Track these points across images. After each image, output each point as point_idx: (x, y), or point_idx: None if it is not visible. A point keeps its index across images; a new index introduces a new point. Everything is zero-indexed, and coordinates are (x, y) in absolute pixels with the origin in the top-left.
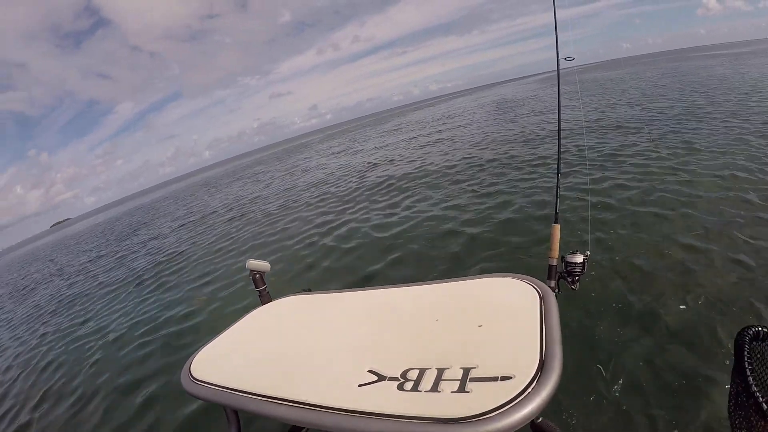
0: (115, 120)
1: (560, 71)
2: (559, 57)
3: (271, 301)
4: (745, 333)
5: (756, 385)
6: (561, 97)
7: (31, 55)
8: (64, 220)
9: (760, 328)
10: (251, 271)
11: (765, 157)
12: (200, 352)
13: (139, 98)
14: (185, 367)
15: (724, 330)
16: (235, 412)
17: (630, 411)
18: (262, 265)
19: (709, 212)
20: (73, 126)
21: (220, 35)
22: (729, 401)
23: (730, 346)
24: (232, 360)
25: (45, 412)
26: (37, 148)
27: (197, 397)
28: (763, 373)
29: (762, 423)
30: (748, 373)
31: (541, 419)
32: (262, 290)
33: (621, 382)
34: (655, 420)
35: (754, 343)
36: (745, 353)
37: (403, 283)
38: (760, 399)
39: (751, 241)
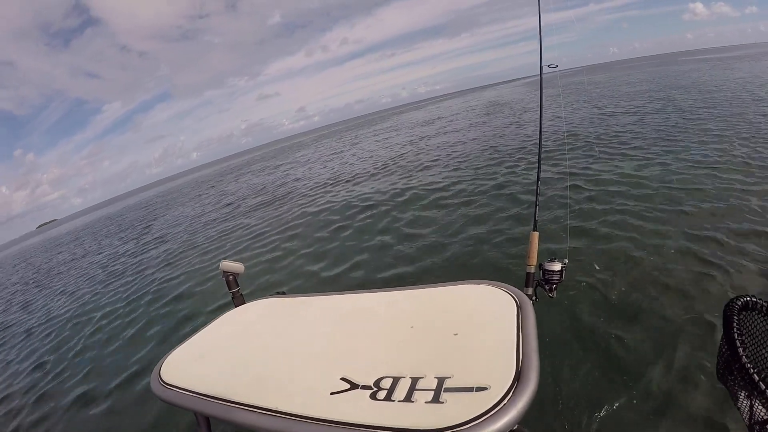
0: (103, 120)
1: (546, 76)
2: (543, 64)
3: (244, 303)
4: (734, 304)
5: (746, 356)
6: (545, 102)
7: (19, 53)
8: (51, 221)
9: (748, 299)
10: (224, 272)
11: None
12: (171, 355)
13: (127, 98)
14: (155, 370)
15: (707, 335)
16: (206, 417)
17: (610, 418)
18: (236, 266)
19: (689, 218)
20: (61, 126)
21: (209, 35)
22: (717, 368)
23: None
24: (204, 364)
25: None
26: (23, 148)
27: (167, 402)
28: (751, 342)
29: (752, 391)
30: (738, 343)
31: (516, 427)
32: (236, 292)
33: (598, 389)
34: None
35: (743, 313)
36: (734, 323)
37: (380, 288)
38: (751, 369)
39: (733, 243)
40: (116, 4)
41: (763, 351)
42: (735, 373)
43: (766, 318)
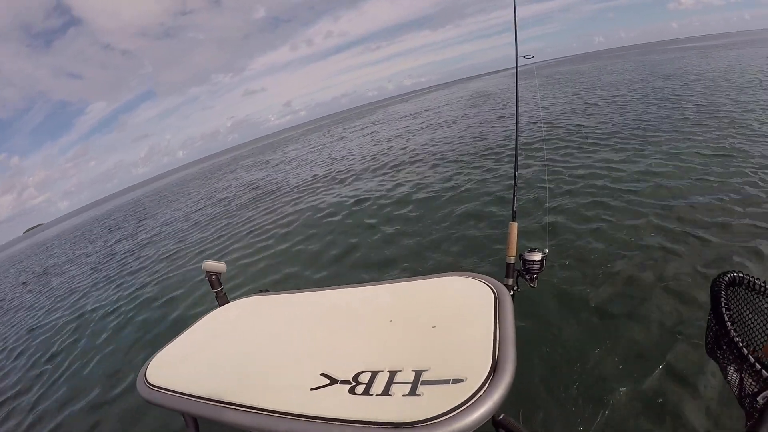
0: (87, 121)
1: (527, 67)
2: (519, 55)
3: (228, 302)
4: (721, 279)
5: (734, 330)
6: (534, 93)
7: (0, 55)
8: (37, 226)
9: (735, 274)
10: (207, 272)
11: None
12: (156, 357)
13: (111, 98)
14: (141, 372)
15: (688, 313)
16: (194, 418)
17: (590, 405)
18: (219, 266)
19: (667, 201)
20: (45, 128)
21: (193, 32)
22: (706, 343)
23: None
24: (189, 364)
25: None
26: (7, 152)
27: (154, 404)
28: (740, 317)
29: (741, 364)
30: (726, 317)
31: (502, 416)
32: (219, 291)
33: (581, 376)
34: (619, 412)
35: (730, 288)
36: (722, 299)
37: (359, 282)
38: (740, 343)
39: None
40: (98, 3)
41: (751, 325)
42: (724, 347)
43: (752, 293)
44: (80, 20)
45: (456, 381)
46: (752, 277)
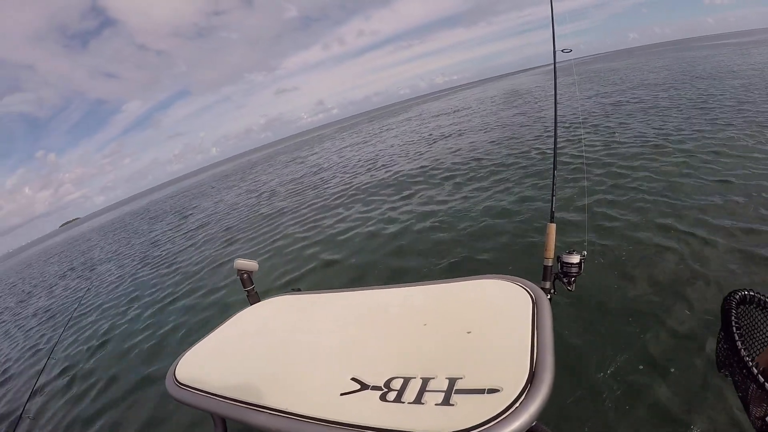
0: (122, 119)
1: (564, 64)
2: (556, 50)
3: (259, 301)
4: (732, 297)
5: (744, 349)
6: (561, 89)
7: (38, 56)
8: (74, 220)
9: (746, 292)
10: (239, 270)
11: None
12: (186, 355)
13: (146, 97)
14: (170, 370)
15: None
16: (222, 418)
17: (627, 415)
18: (250, 264)
19: (710, 208)
20: (81, 126)
21: (226, 32)
22: (717, 359)
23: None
24: (218, 364)
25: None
26: (45, 149)
27: (182, 403)
28: (750, 336)
29: (752, 384)
30: (737, 337)
31: (535, 423)
32: (250, 290)
33: (619, 384)
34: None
35: (741, 307)
36: (733, 317)
37: (395, 283)
38: (750, 363)
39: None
40: (133, 4)
41: (762, 344)
42: (734, 366)
43: (763, 311)
44: (115, 21)
45: (491, 391)
46: (764, 295)
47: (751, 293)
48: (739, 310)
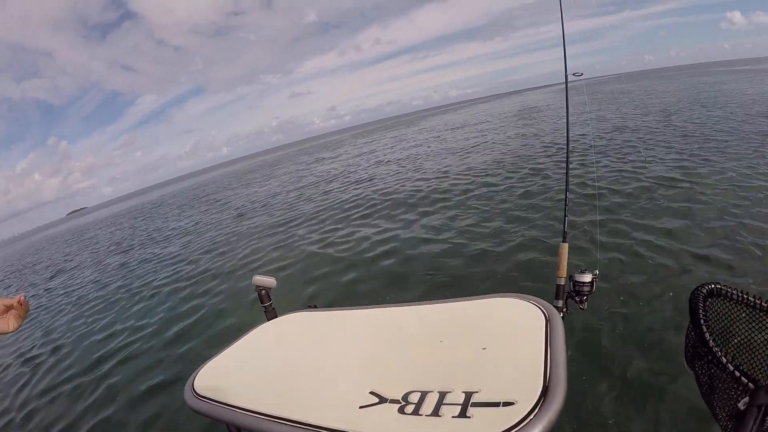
0: (136, 112)
1: (577, 84)
2: (568, 72)
3: (276, 317)
4: (699, 291)
5: (713, 340)
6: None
7: (57, 44)
8: (81, 209)
9: (713, 286)
10: (257, 286)
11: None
12: (204, 367)
13: (161, 91)
14: (189, 381)
15: None
16: (239, 429)
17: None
18: (268, 281)
19: (721, 231)
20: (95, 116)
21: (244, 32)
22: (686, 352)
23: None
24: (237, 376)
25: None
26: (57, 136)
27: (200, 413)
28: (717, 327)
29: (721, 373)
30: (705, 328)
31: None
32: (268, 306)
33: (629, 403)
34: None
35: (708, 300)
36: (700, 310)
37: (409, 301)
38: (718, 353)
39: None
40: None
41: (729, 334)
42: (703, 357)
43: (730, 304)
44: (135, 14)
45: (506, 404)
46: (729, 287)
47: (718, 286)
48: (707, 303)
